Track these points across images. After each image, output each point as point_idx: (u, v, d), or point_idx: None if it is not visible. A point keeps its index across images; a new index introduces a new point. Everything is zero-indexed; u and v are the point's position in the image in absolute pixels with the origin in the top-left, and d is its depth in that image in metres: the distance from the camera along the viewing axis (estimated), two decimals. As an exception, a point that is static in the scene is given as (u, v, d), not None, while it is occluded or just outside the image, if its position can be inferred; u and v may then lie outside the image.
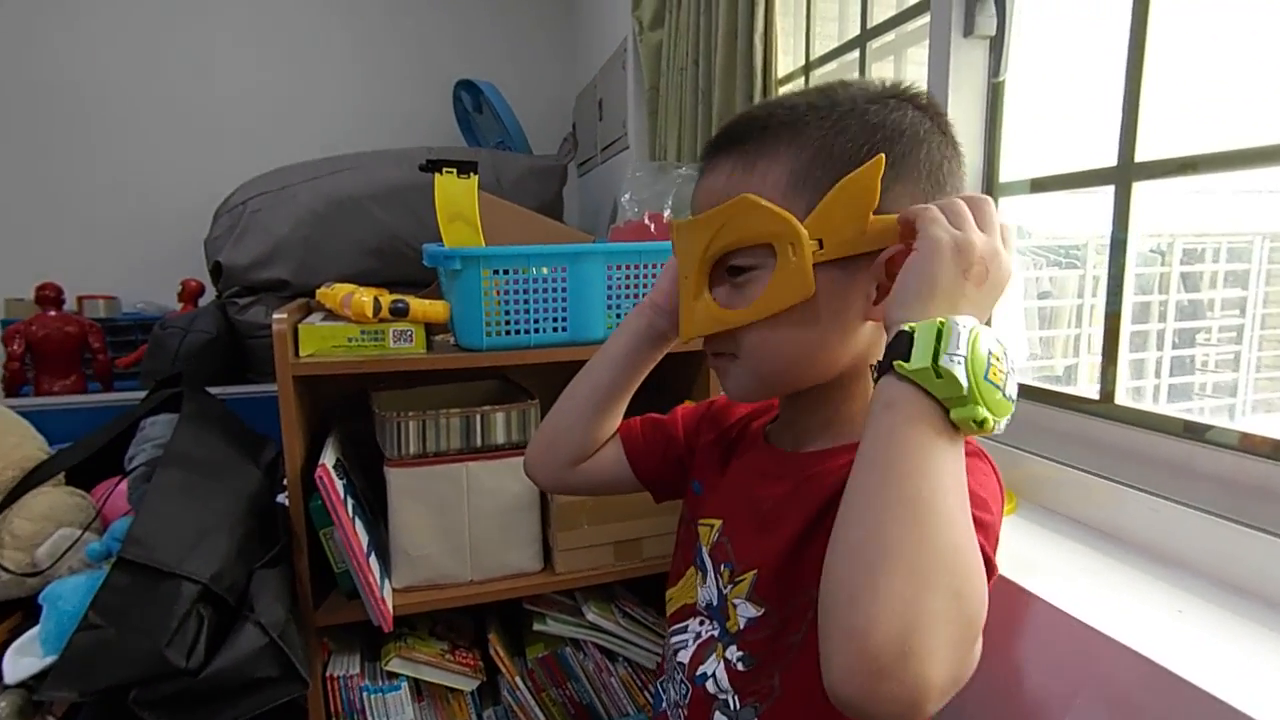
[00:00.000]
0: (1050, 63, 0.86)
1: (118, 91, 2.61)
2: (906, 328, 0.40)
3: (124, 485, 1.07)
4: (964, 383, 0.38)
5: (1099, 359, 1.04)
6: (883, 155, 0.45)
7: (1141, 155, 0.70)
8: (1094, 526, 0.72)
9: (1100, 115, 0.73)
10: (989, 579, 0.41)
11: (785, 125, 0.49)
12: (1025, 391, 0.89)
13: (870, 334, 0.50)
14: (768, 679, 0.52)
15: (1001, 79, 0.86)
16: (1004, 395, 0.39)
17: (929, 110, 0.50)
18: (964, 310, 0.41)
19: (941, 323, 0.39)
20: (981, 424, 0.38)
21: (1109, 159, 0.72)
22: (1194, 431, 0.68)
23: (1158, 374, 1.25)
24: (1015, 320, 1.06)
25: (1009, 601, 0.64)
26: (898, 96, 0.49)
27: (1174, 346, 1.31)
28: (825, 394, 0.54)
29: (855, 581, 0.36)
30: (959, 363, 0.38)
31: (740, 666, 0.54)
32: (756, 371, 0.52)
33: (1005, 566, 0.65)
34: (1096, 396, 0.77)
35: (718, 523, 0.59)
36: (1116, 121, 0.71)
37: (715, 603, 0.58)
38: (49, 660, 0.84)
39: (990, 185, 0.90)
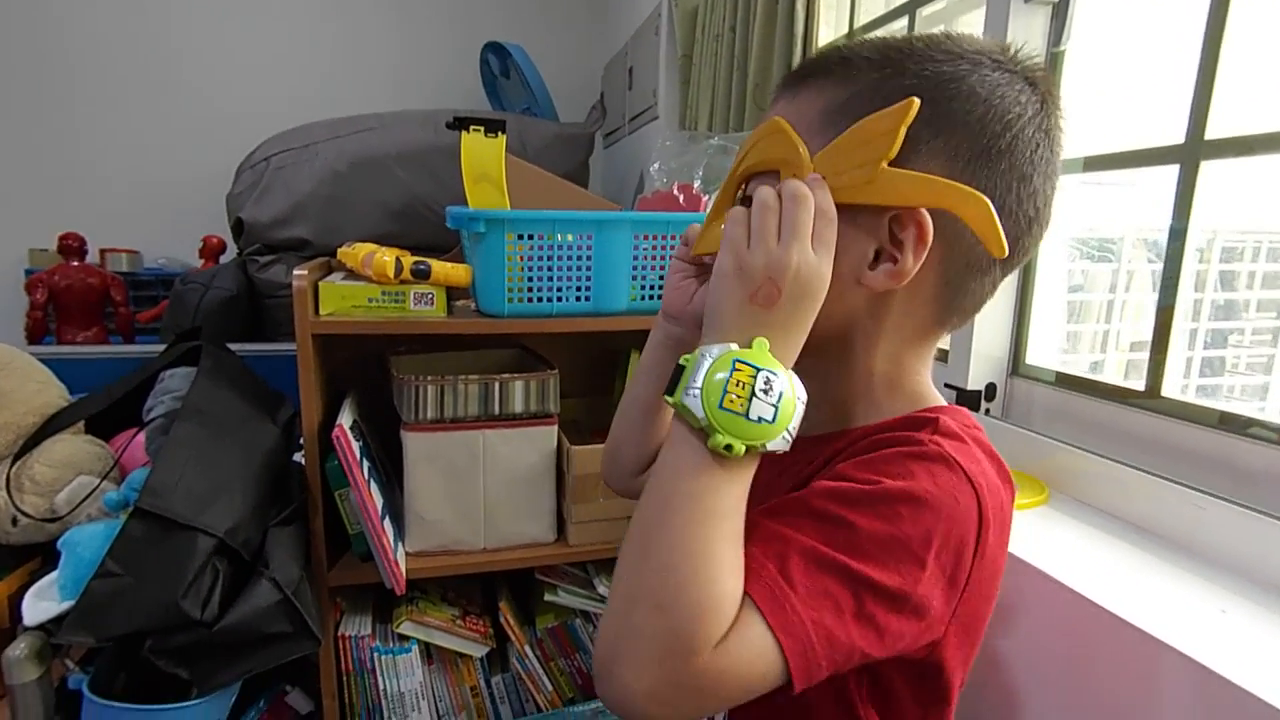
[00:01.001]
0: (1117, 31, 0.81)
1: (146, 45, 2.60)
2: (681, 360, 0.42)
3: (142, 436, 1.07)
4: (699, 415, 0.40)
5: (1125, 356, 1.01)
6: (915, 100, 0.40)
7: (1211, 133, 0.66)
8: (1131, 521, 0.70)
9: (1166, 92, 0.69)
10: (915, 615, 0.40)
11: (840, 62, 0.46)
12: (1063, 381, 0.86)
13: (865, 301, 0.46)
14: None
15: (1063, 49, 0.82)
16: (749, 419, 0.39)
17: (1036, 83, 0.45)
18: (759, 333, 0.41)
19: (695, 355, 0.41)
20: (729, 448, 0.39)
21: (1174, 138, 0.68)
22: (1232, 424, 0.65)
23: (1188, 374, 1.21)
24: (1051, 313, 1.02)
25: (1045, 595, 0.61)
26: (998, 57, 0.45)
27: (1205, 346, 1.27)
28: (811, 367, 0.48)
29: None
30: (694, 395, 0.40)
31: None
32: None
33: (1040, 557, 0.63)
34: (1142, 389, 0.74)
35: None
36: (1183, 99, 0.67)
37: None
38: (66, 605, 0.85)
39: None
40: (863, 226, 0.44)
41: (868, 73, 0.44)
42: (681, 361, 0.42)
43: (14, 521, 0.97)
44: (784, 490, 0.47)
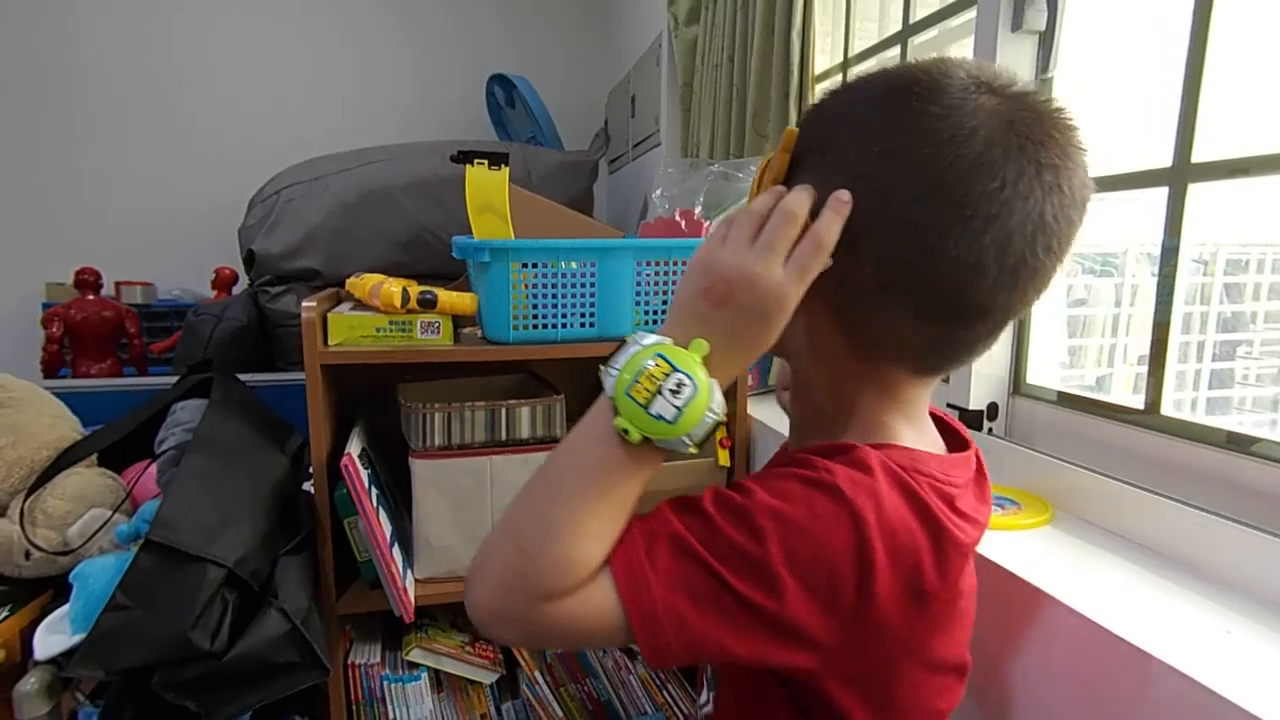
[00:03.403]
0: (1103, 59, 0.83)
1: (158, 83, 2.66)
2: (626, 336, 0.45)
3: (153, 468, 1.09)
4: (608, 392, 0.42)
5: (1134, 369, 1.01)
6: (792, 129, 0.45)
7: (1197, 156, 0.67)
8: (1135, 540, 0.70)
9: (1155, 115, 0.70)
10: (785, 634, 0.41)
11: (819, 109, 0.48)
12: (1065, 400, 0.86)
13: (802, 333, 0.48)
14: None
15: (1050, 75, 0.83)
16: (649, 413, 0.41)
17: (1012, 101, 0.41)
18: (702, 331, 0.42)
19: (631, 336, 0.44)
20: (626, 434, 0.41)
21: (1162, 161, 0.69)
22: (1238, 443, 0.65)
23: (1196, 387, 1.20)
24: (1051, 330, 1.02)
25: (1047, 616, 0.61)
26: (980, 84, 0.42)
27: (1214, 359, 1.26)
28: (808, 394, 0.52)
29: None
30: (611, 374, 0.42)
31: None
32: None
33: (1043, 578, 0.63)
34: (1141, 407, 0.74)
35: None
36: (1172, 121, 0.68)
37: None
38: (77, 638, 0.86)
39: (1034, 186, 0.87)
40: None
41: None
42: (625, 337, 0.44)
43: (27, 555, 0.99)
44: None
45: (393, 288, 1.04)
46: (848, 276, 0.44)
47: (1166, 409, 0.72)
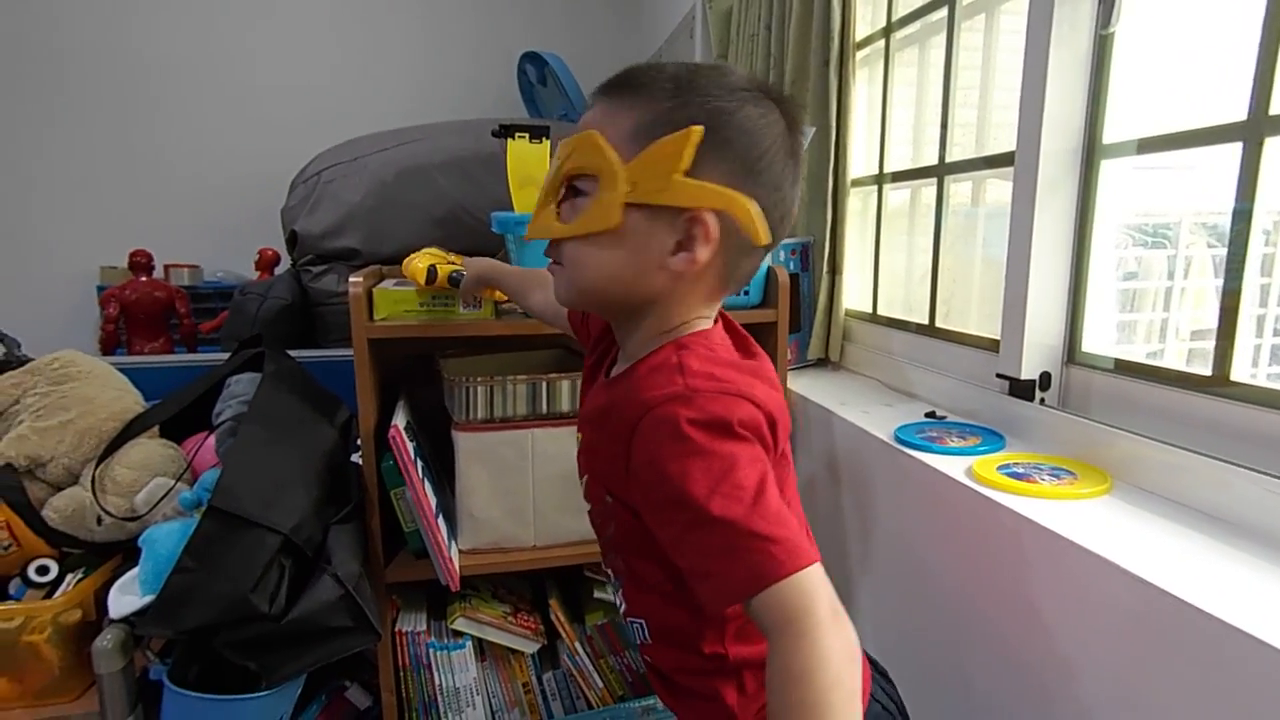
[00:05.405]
0: (1169, 11, 0.79)
1: (203, 71, 2.72)
2: None
3: (212, 439, 1.12)
4: None
5: (1186, 345, 0.97)
6: (699, 128, 0.53)
7: (1276, 108, 0.63)
8: (1201, 509, 0.68)
9: (1226, 69, 0.67)
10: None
11: (646, 87, 0.57)
12: (1124, 368, 0.84)
13: (667, 279, 0.57)
14: (620, 560, 0.66)
15: (1111, 31, 0.80)
16: None
17: (787, 111, 0.58)
18: None
19: None
20: None
21: (1231, 118, 0.66)
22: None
23: (1255, 363, 1.16)
24: (1107, 300, 0.99)
25: (1114, 584, 0.60)
26: (761, 92, 0.57)
27: (1275, 334, 1.21)
28: (631, 322, 0.61)
29: None
30: None
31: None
32: (571, 280, 0.60)
33: (1108, 548, 0.62)
34: (1209, 374, 0.71)
35: (580, 435, 0.69)
36: (1244, 76, 0.65)
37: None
38: (147, 599, 0.89)
39: (1092, 147, 0.84)
40: (665, 223, 0.55)
41: (664, 101, 0.55)
42: None
43: (99, 520, 1.03)
44: (614, 434, 0.56)
45: (419, 263, 1.04)
46: (744, 238, 0.55)
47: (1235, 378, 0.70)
